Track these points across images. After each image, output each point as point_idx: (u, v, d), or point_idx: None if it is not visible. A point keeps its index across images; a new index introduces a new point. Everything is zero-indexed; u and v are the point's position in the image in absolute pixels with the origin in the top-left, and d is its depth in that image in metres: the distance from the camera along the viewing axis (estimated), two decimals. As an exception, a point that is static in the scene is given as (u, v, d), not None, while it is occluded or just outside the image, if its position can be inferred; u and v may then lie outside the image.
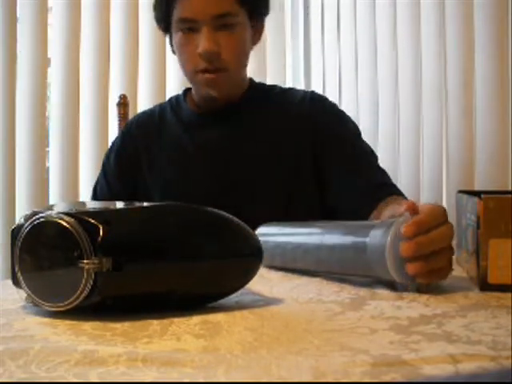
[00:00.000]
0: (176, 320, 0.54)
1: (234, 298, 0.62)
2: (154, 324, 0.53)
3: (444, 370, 0.40)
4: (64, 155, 1.72)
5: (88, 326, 0.52)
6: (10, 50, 1.63)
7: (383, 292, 0.67)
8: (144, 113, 1.28)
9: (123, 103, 1.47)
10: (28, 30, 1.67)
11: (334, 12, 2.11)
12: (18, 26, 1.67)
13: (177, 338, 0.48)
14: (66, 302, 0.54)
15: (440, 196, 1.98)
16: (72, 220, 0.54)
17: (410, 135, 2.02)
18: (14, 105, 1.65)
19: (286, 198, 1.12)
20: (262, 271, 0.73)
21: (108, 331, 0.51)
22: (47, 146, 1.73)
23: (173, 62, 1.88)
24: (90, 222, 0.53)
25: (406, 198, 1.07)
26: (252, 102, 1.17)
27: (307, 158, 1.13)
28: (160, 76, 1.84)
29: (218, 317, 0.56)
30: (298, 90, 1.27)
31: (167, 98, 1.28)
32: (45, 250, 0.55)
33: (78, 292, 0.53)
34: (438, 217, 0.67)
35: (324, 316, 0.56)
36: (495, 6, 1.93)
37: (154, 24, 1.73)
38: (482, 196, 0.66)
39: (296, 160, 1.13)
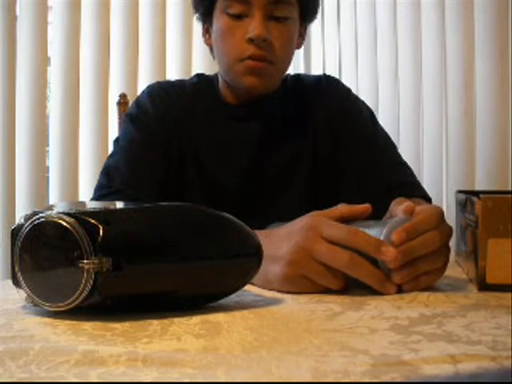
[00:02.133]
0: (176, 320, 0.54)
1: (234, 297, 0.62)
2: (154, 324, 0.53)
3: (444, 369, 0.40)
4: (64, 155, 1.72)
5: (88, 326, 0.52)
6: (9, 49, 1.63)
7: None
8: (170, 84, 1.14)
9: (123, 102, 1.47)
10: (28, 28, 1.67)
11: (334, 7, 2.12)
12: (18, 24, 1.67)
13: (177, 338, 0.48)
14: (66, 302, 0.54)
15: (440, 196, 1.99)
16: (72, 220, 0.54)
17: (410, 135, 2.02)
18: (14, 104, 1.65)
19: (310, 196, 1.09)
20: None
21: (108, 331, 0.51)
22: (47, 145, 1.73)
23: (173, 62, 1.88)
24: (90, 222, 0.53)
25: (424, 196, 1.02)
26: (281, 98, 1.11)
27: (324, 154, 1.08)
28: (160, 75, 1.84)
29: (218, 317, 0.56)
30: (308, 75, 1.20)
31: (193, 75, 1.17)
32: (45, 250, 0.55)
33: (78, 292, 0.53)
34: (431, 221, 0.67)
35: (324, 316, 0.56)
36: (495, 6, 1.93)
37: (154, 23, 1.66)
38: (481, 196, 0.66)
39: (315, 154, 1.08)
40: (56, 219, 0.54)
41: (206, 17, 1.06)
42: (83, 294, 0.53)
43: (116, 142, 1.09)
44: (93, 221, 0.53)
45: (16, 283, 0.58)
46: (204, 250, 0.58)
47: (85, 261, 0.52)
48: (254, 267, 0.61)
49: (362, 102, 1.15)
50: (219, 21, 1.01)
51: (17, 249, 0.57)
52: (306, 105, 1.11)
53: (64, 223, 0.54)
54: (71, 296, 0.53)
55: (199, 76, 1.15)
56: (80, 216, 0.54)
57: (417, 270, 0.66)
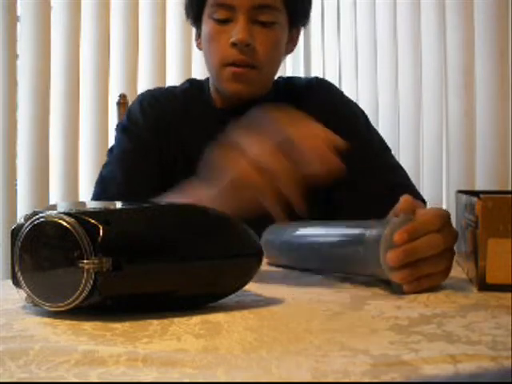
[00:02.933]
0: (176, 320, 0.54)
1: (234, 297, 0.62)
2: (154, 324, 0.53)
3: (444, 369, 0.40)
4: (64, 155, 1.72)
5: (88, 326, 0.52)
6: (9, 49, 1.63)
7: (383, 292, 0.67)
8: (160, 91, 1.16)
9: (123, 102, 1.47)
10: (29, 29, 1.67)
11: (334, 10, 2.11)
12: (19, 25, 1.67)
13: (177, 338, 0.48)
14: (66, 302, 0.54)
15: (440, 196, 1.99)
16: (72, 220, 0.54)
17: (410, 135, 2.02)
18: (15, 104, 1.65)
19: (302, 195, 1.08)
20: (263, 271, 0.73)
21: (108, 331, 0.51)
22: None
23: (173, 62, 1.88)
24: (90, 222, 0.53)
25: (420, 199, 1.00)
26: (272, 100, 1.07)
27: None
28: (160, 75, 1.84)
29: (218, 317, 0.56)
30: (300, 77, 1.20)
31: (185, 80, 1.19)
32: (45, 250, 0.55)
33: (78, 292, 0.53)
34: (434, 223, 0.67)
35: (324, 316, 0.56)
36: (495, 6, 1.93)
37: (154, 23, 1.66)
38: (481, 196, 0.66)
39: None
40: (56, 219, 0.54)
41: (196, 22, 1.07)
42: (83, 294, 0.53)
43: (110, 151, 1.10)
44: (93, 221, 0.53)
45: (16, 283, 0.57)
46: (204, 249, 0.58)
47: (85, 261, 0.52)
48: (254, 267, 0.61)
49: (355, 104, 1.16)
50: (206, 26, 1.03)
51: (17, 249, 0.57)
52: (297, 107, 1.10)
53: (64, 223, 0.54)
54: (71, 296, 0.53)
55: (190, 81, 1.16)
56: (80, 216, 0.54)
57: (418, 272, 0.66)
